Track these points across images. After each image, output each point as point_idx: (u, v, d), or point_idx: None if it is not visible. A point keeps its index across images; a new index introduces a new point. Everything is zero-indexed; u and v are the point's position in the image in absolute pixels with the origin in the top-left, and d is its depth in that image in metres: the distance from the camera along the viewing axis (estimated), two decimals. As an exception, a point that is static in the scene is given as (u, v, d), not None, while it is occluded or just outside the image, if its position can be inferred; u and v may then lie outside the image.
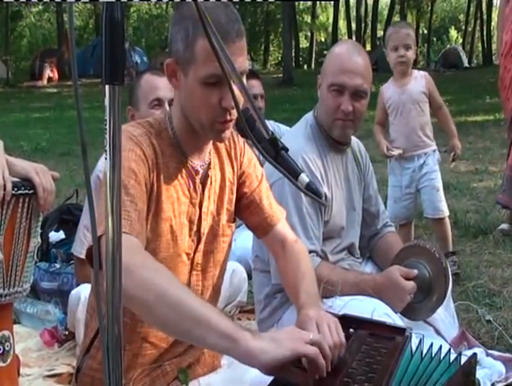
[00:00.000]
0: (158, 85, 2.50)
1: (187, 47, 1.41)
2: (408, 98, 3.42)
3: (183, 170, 1.54)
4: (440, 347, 1.39)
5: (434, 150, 3.49)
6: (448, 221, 3.53)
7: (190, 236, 1.57)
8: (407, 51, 3.36)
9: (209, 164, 1.60)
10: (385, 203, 4.13)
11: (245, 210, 1.72)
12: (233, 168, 1.67)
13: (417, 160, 3.46)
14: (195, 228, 1.58)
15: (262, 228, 1.74)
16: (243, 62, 1.43)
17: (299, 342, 1.23)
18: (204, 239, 1.61)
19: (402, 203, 3.52)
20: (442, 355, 1.37)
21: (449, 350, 1.41)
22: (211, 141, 1.59)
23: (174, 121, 1.54)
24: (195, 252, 1.60)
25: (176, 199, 1.53)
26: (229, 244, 1.72)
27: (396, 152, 3.42)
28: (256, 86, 3.50)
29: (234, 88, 1.10)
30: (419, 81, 3.44)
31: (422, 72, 3.51)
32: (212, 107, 1.42)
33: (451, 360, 1.37)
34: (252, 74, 3.62)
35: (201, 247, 1.61)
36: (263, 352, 1.18)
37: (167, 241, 1.51)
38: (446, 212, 3.50)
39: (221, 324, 1.20)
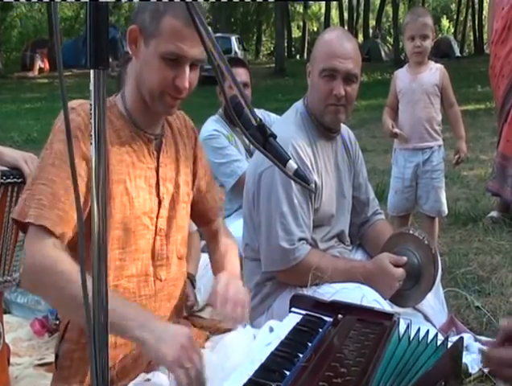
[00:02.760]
0: None
1: (154, 20, 1.47)
2: (419, 87, 3.36)
3: (137, 138, 1.60)
4: (427, 332, 1.40)
5: (440, 146, 3.44)
6: (437, 221, 3.51)
7: (151, 199, 1.62)
8: (424, 41, 3.30)
9: (163, 135, 1.67)
10: (380, 194, 4.16)
11: (193, 197, 1.80)
12: (185, 144, 1.74)
13: (422, 155, 3.41)
14: (154, 192, 1.63)
15: (205, 219, 1.89)
16: (201, 50, 1.48)
17: (178, 366, 1.29)
18: (164, 204, 1.65)
19: (402, 195, 3.49)
20: (429, 339, 1.39)
21: (436, 334, 1.42)
22: (163, 115, 1.65)
23: (127, 95, 1.60)
24: (157, 217, 1.64)
25: (131, 163, 1.58)
26: (188, 213, 1.78)
27: (400, 132, 3.37)
28: (241, 74, 3.45)
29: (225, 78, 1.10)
30: (434, 73, 3.38)
31: (438, 65, 3.43)
32: (165, 81, 1.50)
33: (438, 344, 1.39)
34: (239, 62, 3.60)
35: (164, 213, 1.65)
36: (144, 346, 1.33)
37: (122, 203, 1.55)
38: (443, 213, 3.48)
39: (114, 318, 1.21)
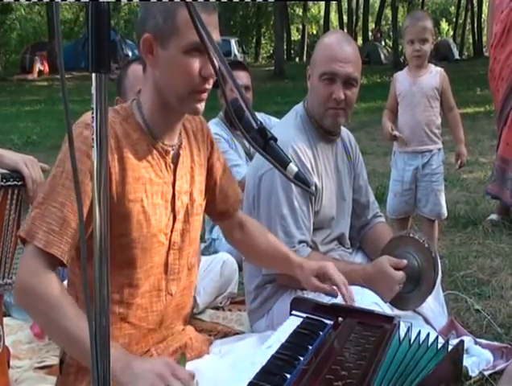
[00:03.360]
0: None
1: (168, 19, 1.44)
2: (419, 90, 3.36)
3: (154, 152, 1.55)
4: (428, 335, 1.41)
5: (439, 149, 3.43)
6: (437, 224, 3.51)
7: (166, 215, 1.59)
8: (423, 45, 3.29)
9: (180, 144, 1.63)
10: (380, 196, 4.15)
11: (211, 197, 1.78)
12: (199, 150, 1.71)
13: (421, 158, 3.40)
14: (170, 208, 1.60)
15: (225, 216, 1.86)
16: (218, 35, 1.49)
17: None
18: (179, 218, 1.62)
19: (402, 198, 3.49)
20: (429, 343, 1.39)
21: (437, 337, 1.42)
22: (182, 121, 1.62)
23: (144, 104, 1.55)
24: (172, 231, 1.61)
25: (148, 179, 1.54)
26: (201, 223, 1.75)
27: (399, 134, 3.36)
28: (242, 77, 3.45)
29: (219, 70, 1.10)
30: (434, 76, 3.37)
31: (438, 68, 3.43)
32: (193, 76, 1.45)
33: (438, 347, 1.39)
34: (240, 65, 3.60)
35: (178, 226, 1.62)
36: None
37: (138, 222, 1.52)
38: (443, 215, 3.47)
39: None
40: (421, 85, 3.35)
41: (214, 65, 1.05)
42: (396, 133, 3.36)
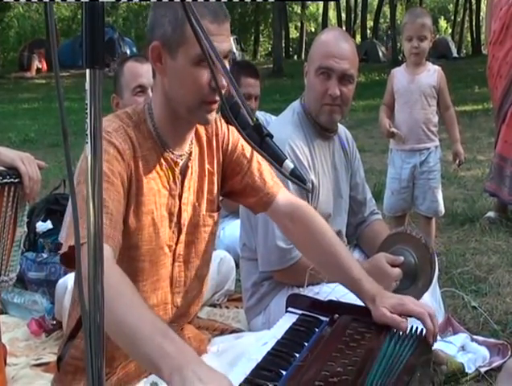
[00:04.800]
0: (141, 72, 2.49)
1: (177, 29, 1.40)
2: (416, 88, 3.34)
3: (163, 162, 1.53)
4: (411, 327, 1.43)
5: (436, 147, 3.42)
6: (434, 222, 3.50)
7: (170, 227, 1.56)
8: (422, 42, 3.28)
9: (190, 154, 1.59)
10: (377, 194, 4.15)
11: (241, 195, 1.71)
12: (213, 157, 1.65)
13: (418, 156, 3.38)
14: (175, 220, 1.57)
15: (259, 207, 1.72)
16: (230, 43, 1.46)
17: None
18: (184, 230, 1.60)
19: (399, 196, 3.48)
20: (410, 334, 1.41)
21: (416, 328, 1.44)
22: (193, 130, 1.58)
23: (154, 111, 1.52)
24: (176, 244, 1.59)
25: (157, 191, 1.52)
26: (212, 234, 1.70)
27: (397, 131, 3.36)
28: (253, 86, 3.29)
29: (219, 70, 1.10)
30: (432, 75, 3.36)
31: (436, 67, 3.42)
32: (202, 87, 1.42)
33: (413, 336, 1.41)
34: (252, 71, 3.36)
35: (183, 238, 1.60)
36: None
37: (149, 234, 1.51)
38: (440, 213, 3.47)
39: (152, 352, 1.11)
40: (419, 83, 3.35)
41: (209, 62, 1.05)
42: (394, 130, 3.36)
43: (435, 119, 3.40)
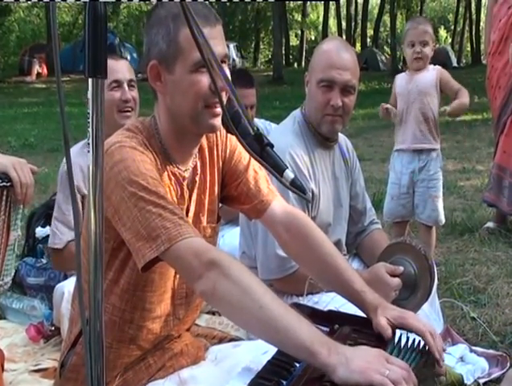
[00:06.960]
0: (116, 68, 2.51)
1: (171, 42, 1.42)
2: (414, 88, 3.35)
3: (172, 178, 1.54)
4: (408, 339, 1.42)
5: (437, 154, 3.42)
6: (434, 230, 3.50)
7: None
8: (424, 48, 3.30)
9: (194, 167, 1.60)
10: (377, 203, 4.15)
11: (235, 201, 1.72)
12: (214, 167, 1.66)
13: (418, 161, 3.39)
14: None
15: (253, 213, 1.72)
16: (224, 46, 1.47)
17: (375, 373, 1.17)
18: None
19: (399, 201, 3.47)
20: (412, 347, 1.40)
21: (413, 340, 1.43)
22: (198, 144, 1.59)
23: (160, 128, 1.53)
24: None
25: None
26: (213, 244, 1.69)
27: (391, 107, 3.34)
28: (248, 96, 3.18)
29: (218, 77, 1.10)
30: (431, 73, 3.36)
31: (436, 66, 3.42)
32: (203, 92, 1.43)
33: (415, 349, 1.40)
34: (247, 81, 3.27)
35: None
36: (335, 371, 1.18)
37: None
38: (440, 222, 3.46)
39: (300, 336, 1.22)
40: (417, 83, 3.36)
41: (209, 69, 1.05)
42: (388, 106, 3.36)
43: (436, 119, 3.38)
